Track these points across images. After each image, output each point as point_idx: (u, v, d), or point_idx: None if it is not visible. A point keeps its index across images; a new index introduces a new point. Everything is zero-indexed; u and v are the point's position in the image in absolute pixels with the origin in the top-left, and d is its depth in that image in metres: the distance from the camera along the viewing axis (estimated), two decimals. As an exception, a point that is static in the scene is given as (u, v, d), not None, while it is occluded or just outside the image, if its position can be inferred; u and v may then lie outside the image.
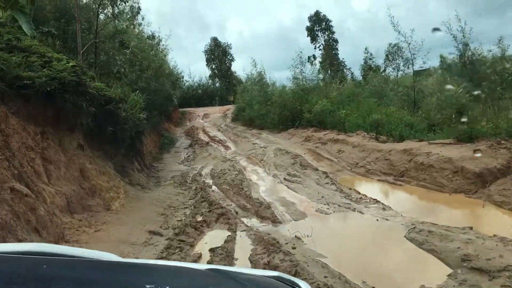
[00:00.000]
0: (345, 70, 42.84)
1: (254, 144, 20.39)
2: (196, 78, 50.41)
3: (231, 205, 10.44)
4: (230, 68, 51.55)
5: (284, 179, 12.72)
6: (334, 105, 19.45)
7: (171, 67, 32.03)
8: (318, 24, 48.30)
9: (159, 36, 28.95)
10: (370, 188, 10.98)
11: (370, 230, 7.85)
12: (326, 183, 11.67)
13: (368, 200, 9.72)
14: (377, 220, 8.27)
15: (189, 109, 41.97)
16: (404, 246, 6.83)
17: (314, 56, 45.38)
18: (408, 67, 44.86)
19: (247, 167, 15.21)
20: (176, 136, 27.55)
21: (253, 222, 9.17)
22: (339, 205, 9.58)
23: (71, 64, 10.05)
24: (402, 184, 10.89)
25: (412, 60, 21.19)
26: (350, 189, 10.91)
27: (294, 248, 7.34)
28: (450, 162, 10.03)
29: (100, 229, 8.61)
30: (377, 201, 9.53)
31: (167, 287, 1.27)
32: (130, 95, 15.44)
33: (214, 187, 12.32)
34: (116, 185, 10.81)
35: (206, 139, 24.64)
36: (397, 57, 46.74)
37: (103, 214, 9.33)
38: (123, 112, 12.85)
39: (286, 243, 7.57)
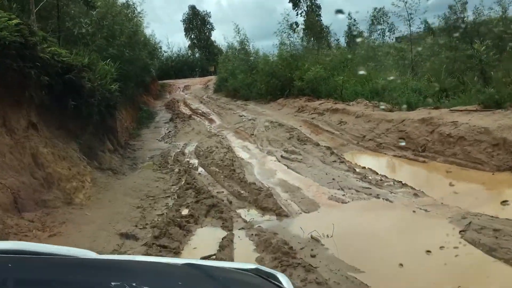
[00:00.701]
0: (329, 37, 40.33)
1: (241, 116, 18.26)
2: (175, 49, 47.58)
3: (223, 192, 8.41)
4: (210, 38, 48.76)
5: (282, 157, 10.70)
6: (327, 71, 17.34)
7: (148, 36, 29.32)
8: (300, -10, 45.70)
9: (133, 4, 26.23)
10: (388, 167, 9.06)
11: (409, 227, 5.90)
12: (334, 161, 9.68)
13: (391, 183, 7.76)
14: (414, 211, 6.32)
15: (168, 81, 39.40)
16: (468, 253, 4.89)
17: (296, 23, 43.00)
18: (393, 32, 42.82)
19: (236, 143, 13.15)
20: (156, 109, 25.23)
21: (253, 215, 7.17)
22: (356, 190, 7.61)
23: (14, 21, 7.73)
24: (426, 161, 8.95)
25: (409, 21, 19.04)
26: (363, 168, 8.94)
27: (313, 256, 5.38)
28: (487, 133, 8.10)
29: (57, 232, 6.51)
30: (403, 184, 7.58)
31: (133, 284, 1.23)
32: (99, 63, 13.08)
33: (200, 169, 10.24)
34: (80, 172, 8.65)
35: (188, 112, 22.40)
36: (382, 22, 44.96)
37: (63, 211, 7.21)
38: (89, 82, 10.57)
39: (301, 248, 5.61)
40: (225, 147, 12.29)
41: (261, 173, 9.58)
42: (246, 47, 25.53)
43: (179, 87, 36.25)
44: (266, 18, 65.38)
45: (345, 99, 15.10)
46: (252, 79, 23.42)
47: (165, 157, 11.82)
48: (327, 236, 5.88)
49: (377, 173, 8.44)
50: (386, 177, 8.12)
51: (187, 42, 48.87)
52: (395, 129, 10.52)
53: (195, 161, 11.11)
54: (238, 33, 25.33)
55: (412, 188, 7.36)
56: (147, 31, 29.73)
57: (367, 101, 13.99)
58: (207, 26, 48.88)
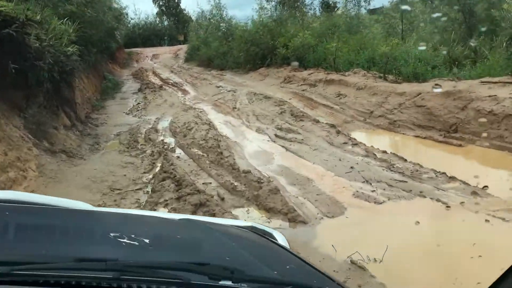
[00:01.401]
0: (302, 8, 37.96)
1: (218, 87, 16.02)
2: (142, 16, 44.21)
3: (211, 183, 6.36)
4: (179, 5, 45.52)
5: (276, 136, 8.67)
6: (315, 38, 15.22)
7: (113, -1, 26.36)
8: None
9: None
10: (415, 152, 7.16)
11: (494, 247, 4.02)
12: (344, 142, 7.71)
13: (432, 175, 5.86)
14: (488, 221, 4.45)
15: (135, 49, 36.44)
16: None
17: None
18: (369, 3, 40.88)
19: (217, 118, 10.99)
20: (122, 79, 22.63)
21: (255, 219, 5.17)
22: (389, 185, 5.68)
23: None
24: (461, 144, 7.09)
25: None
26: (385, 152, 7.01)
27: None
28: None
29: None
30: (450, 178, 5.69)
31: (132, 235, 1.24)
32: (53, 21, 10.57)
33: (179, 151, 8.10)
34: (22, 158, 6.38)
35: (158, 82, 19.95)
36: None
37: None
38: (37, 41, 8.19)
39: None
40: (206, 123, 10.14)
41: (255, 157, 7.54)
42: (221, 12, 22.99)
43: (147, 56, 33.53)
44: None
45: (338, 69, 13.09)
46: (228, 47, 21.11)
47: (134, 135, 9.59)
48: (375, 260, 3.96)
49: (405, 160, 6.52)
50: (420, 165, 6.21)
51: (155, 9, 45.54)
52: (411, 104, 8.62)
53: (171, 140, 8.95)
54: (213, -4, 22.71)
55: (464, 183, 5.48)
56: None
57: (365, 71, 12.04)
58: (177, -8, 45.55)
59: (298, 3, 37.56)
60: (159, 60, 31.31)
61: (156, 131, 9.91)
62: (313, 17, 21.61)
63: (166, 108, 13.02)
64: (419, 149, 7.34)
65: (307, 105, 10.95)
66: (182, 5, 45.56)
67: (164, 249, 1.35)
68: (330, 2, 39.17)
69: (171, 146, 8.45)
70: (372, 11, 29.39)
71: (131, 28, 41.72)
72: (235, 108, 11.84)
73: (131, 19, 41.70)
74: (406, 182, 5.70)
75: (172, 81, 19.57)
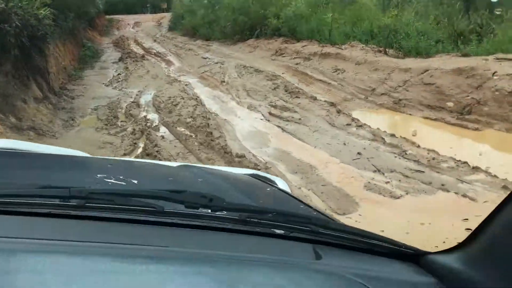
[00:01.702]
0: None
1: (204, 58, 15.01)
2: (124, -18, 42.27)
3: (200, 169, 5.54)
4: (163, -28, 43.60)
5: (271, 114, 7.85)
6: (308, 8, 14.24)
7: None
8: None
9: None
10: (427, 136, 6.39)
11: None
12: (347, 124, 6.93)
13: (452, 164, 5.13)
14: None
15: (117, 16, 34.84)
16: None
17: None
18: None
19: (204, 92, 10.09)
20: (102, 47, 21.36)
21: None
22: (404, 175, 4.95)
23: None
24: (478, 128, 6.36)
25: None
26: (394, 136, 6.26)
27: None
28: None
29: None
30: (474, 168, 4.98)
31: (120, 177, 1.22)
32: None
33: (163, 130, 7.23)
34: (-19, 136, 5.48)
35: (140, 51, 18.80)
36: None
37: None
38: (2, 1, 7.14)
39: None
40: (192, 97, 9.26)
41: (249, 138, 6.74)
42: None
43: (128, 24, 32.08)
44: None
45: (334, 42, 12.21)
46: (214, 16, 19.95)
47: (114, 110, 8.65)
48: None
49: (418, 146, 5.79)
50: (437, 152, 5.48)
51: (137, -25, 43.51)
52: (418, 81, 7.85)
53: (154, 117, 8.05)
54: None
55: (490, 174, 4.78)
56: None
57: (363, 45, 11.20)
58: (160, -43, 43.51)
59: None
60: (141, 28, 29.91)
61: (138, 105, 8.99)
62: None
63: (149, 80, 12.04)
64: (431, 132, 6.60)
65: (302, 80, 10.10)
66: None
67: (147, 186, 1.29)
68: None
69: (154, 124, 7.57)
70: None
71: (113, -6, 39.93)
72: (224, 81, 10.93)
73: (114, -16, 39.91)
74: (424, 172, 4.97)
75: (155, 51, 18.46)
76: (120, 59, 16.22)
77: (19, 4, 7.97)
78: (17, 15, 7.59)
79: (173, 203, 1.01)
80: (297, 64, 11.45)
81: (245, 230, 1.03)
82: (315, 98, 8.44)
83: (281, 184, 1.73)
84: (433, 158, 5.33)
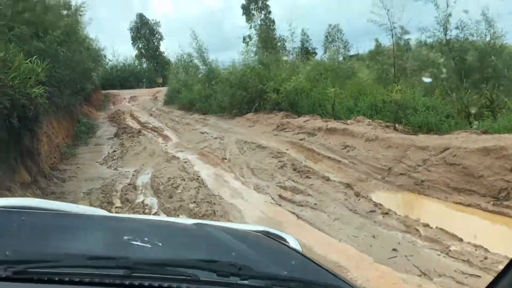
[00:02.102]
0: (284, 51, 37.45)
1: (203, 133, 14.45)
2: (120, 58, 42.88)
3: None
4: (159, 48, 44.46)
5: (281, 197, 7.04)
6: (309, 83, 13.93)
7: (90, 38, 24.88)
8: (254, 2, 42.80)
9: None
10: (466, 226, 5.55)
11: None
12: (371, 210, 6.12)
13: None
14: None
15: (113, 91, 34.93)
16: None
17: (249, 37, 39.85)
18: (348, 50, 40.57)
19: (205, 171, 9.34)
20: (98, 122, 20.90)
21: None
22: (456, 281, 4.09)
23: None
24: (521, 217, 5.62)
25: (392, 31, 16.00)
26: (428, 226, 5.41)
27: None
28: None
29: None
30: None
31: (145, 239, 1.25)
32: (17, 58, 8.94)
33: (164, 219, 6.40)
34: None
35: (136, 126, 18.29)
36: (336, 40, 42.59)
37: None
38: (-9, 80, 6.55)
39: None
40: (194, 178, 8.48)
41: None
42: (204, 54, 21.68)
43: (124, 98, 32.01)
44: (214, 32, 61.63)
45: (338, 116, 11.73)
46: (211, 91, 19.71)
47: (108, 194, 7.82)
48: None
49: (461, 239, 4.97)
50: (485, 249, 4.66)
51: (134, 52, 44.31)
52: (440, 160, 7.17)
53: (153, 202, 7.21)
54: (195, 39, 21.43)
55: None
56: (89, 34, 25.25)
57: (369, 120, 10.69)
58: (156, 35, 44.59)
59: (278, 48, 36.72)
60: (137, 102, 29.77)
61: (135, 188, 8.17)
62: (298, 61, 20.50)
63: (145, 157, 11.32)
64: (468, 221, 5.79)
65: (309, 157, 9.42)
66: (162, 48, 44.47)
67: (174, 250, 1.34)
68: (309, 49, 38.81)
69: (154, 211, 6.73)
70: (350, 57, 28.87)
71: (109, 69, 40.32)
72: (225, 158, 10.23)
73: (109, 60, 40.39)
74: (480, 277, 4.12)
75: (152, 126, 17.95)
76: (116, 135, 15.62)
77: (10, 83, 7.38)
78: (7, 95, 6.97)
79: (206, 271, 1.07)
80: (301, 139, 10.83)
81: None
82: (328, 179, 7.69)
83: (292, 241, 1.75)
84: (485, 258, 4.49)
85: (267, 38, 28.19)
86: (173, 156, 11.13)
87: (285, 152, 9.96)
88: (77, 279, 1.01)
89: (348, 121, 10.78)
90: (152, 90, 35.11)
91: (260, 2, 42.26)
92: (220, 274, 1.08)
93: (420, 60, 16.15)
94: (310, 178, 7.92)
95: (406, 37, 16.94)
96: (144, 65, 43.97)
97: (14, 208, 1.51)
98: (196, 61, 23.92)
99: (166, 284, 1.02)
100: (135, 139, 14.49)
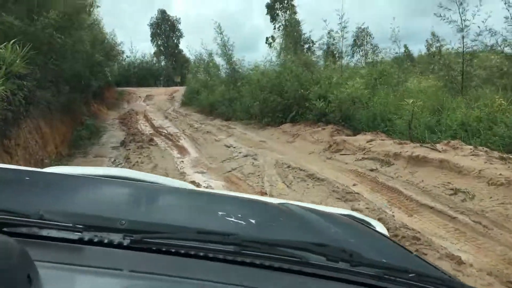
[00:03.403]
0: (312, 53, 33.86)
1: (228, 148, 11.14)
2: (138, 54, 39.88)
3: None
4: (178, 46, 41.35)
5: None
6: (366, 89, 10.52)
7: (105, 31, 21.82)
8: (279, 2, 39.43)
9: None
10: None
11: None
12: None
13: None
14: None
15: (128, 88, 31.91)
16: None
17: (272, 37, 36.50)
18: (377, 55, 36.91)
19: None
20: (106, 123, 17.75)
21: None
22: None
23: None
24: None
25: (463, 30, 12.55)
26: None
27: None
28: None
29: None
30: None
31: (239, 215, 1.24)
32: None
33: None
34: None
35: (148, 131, 15.09)
36: (365, 43, 39.01)
37: None
38: None
39: None
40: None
41: None
42: (230, 52, 18.32)
43: (140, 96, 28.91)
44: (234, 32, 58.40)
45: (415, 137, 8.35)
46: (236, 93, 16.43)
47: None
48: None
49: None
50: None
51: (153, 49, 41.27)
52: None
53: None
54: (220, 33, 18.07)
55: None
56: (104, 27, 22.15)
57: (471, 147, 7.27)
58: (176, 33, 41.46)
59: (305, 50, 32.87)
60: (153, 102, 26.63)
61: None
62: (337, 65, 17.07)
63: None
64: None
65: (396, 203, 6.03)
66: (182, 46, 41.33)
67: (273, 229, 1.29)
68: (335, 53, 35.25)
69: None
70: (371, 63, 25.48)
71: (126, 66, 37.38)
72: (265, 192, 6.91)
73: (127, 57, 37.46)
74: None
75: (166, 132, 14.70)
76: (122, 143, 12.35)
77: None
78: None
79: (316, 255, 1.01)
80: (371, 170, 7.42)
81: (381, 286, 1.00)
82: (456, 259, 4.30)
83: (378, 226, 1.59)
84: None
85: (297, 38, 24.79)
86: (191, 181, 7.84)
87: (351, 190, 6.58)
88: (192, 252, 0.97)
89: (437, 146, 7.38)
90: (169, 89, 32.04)
91: (286, 1, 38.94)
92: (330, 258, 1.00)
93: (491, 68, 12.80)
94: (416, 250, 4.56)
95: (474, 40, 13.55)
96: (163, 63, 40.95)
97: (113, 178, 1.58)
98: (218, 59, 20.57)
99: (276, 264, 0.98)
100: (145, 150, 11.23)
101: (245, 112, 14.97)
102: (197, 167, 9.35)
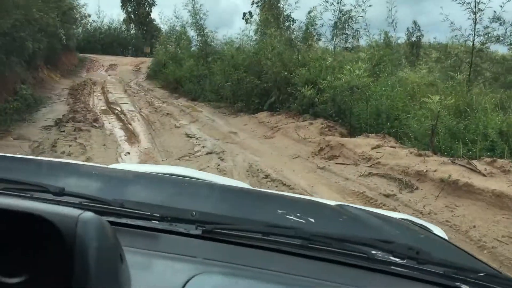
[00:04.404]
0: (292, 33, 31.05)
1: (190, 138, 8.54)
2: (106, 20, 36.14)
3: None
4: (150, 14, 37.62)
5: None
6: (369, 78, 8.04)
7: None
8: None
9: None
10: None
11: None
12: None
13: None
14: None
15: (92, 55, 28.50)
16: None
17: (250, 13, 33.52)
18: (358, 40, 34.50)
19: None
20: (53, 93, 14.82)
21: None
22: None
23: None
24: None
25: (476, 15, 10.29)
26: None
27: None
28: None
29: None
30: None
31: (297, 214, 1.23)
32: None
33: None
34: None
35: (100, 106, 12.34)
36: (346, 27, 36.54)
37: None
38: None
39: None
40: None
41: None
42: (200, 22, 15.41)
43: (102, 65, 25.75)
44: (209, 7, 54.53)
45: (438, 147, 6.02)
46: (206, 70, 13.74)
47: None
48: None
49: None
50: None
51: (122, 15, 37.46)
52: None
53: None
54: (192, 1, 15.12)
55: None
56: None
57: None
58: (148, 0, 37.67)
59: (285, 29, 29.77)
60: (116, 72, 23.52)
61: None
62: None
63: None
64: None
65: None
66: (154, 15, 37.68)
67: (334, 228, 1.28)
68: (314, 34, 32.59)
69: None
70: (345, 49, 23.26)
71: (91, 31, 33.67)
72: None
73: (93, 21, 33.73)
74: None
75: (119, 109, 11.92)
76: (58, 122, 9.55)
77: None
78: None
79: (381, 251, 0.98)
80: (387, 196, 4.97)
81: (450, 285, 0.94)
82: None
83: (436, 231, 1.49)
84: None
85: (277, 14, 21.94)
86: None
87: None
88: (261, 244, 0.98)
89: (477, 165, 5.07)
90: (136, 60, 28.81)
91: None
92: (396, 255, 0.97)
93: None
94: None
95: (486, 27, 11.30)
96: (132, 31, 37.25)
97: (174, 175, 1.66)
98: (192, 33, 17.61)
99: (343, 259, 0.96)
100: (83, 134, 8.52)
101: (215, 93, 12.34)
102: (144, 165, 6.76)
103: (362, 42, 14.34)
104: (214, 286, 0.79)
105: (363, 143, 6.49)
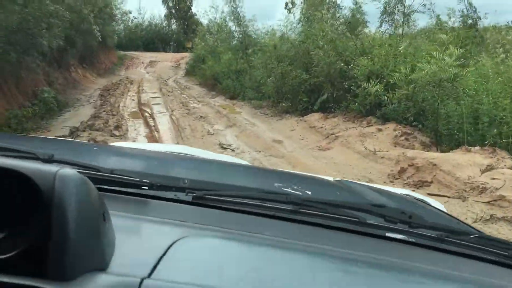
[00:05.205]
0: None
1: (224, 148, 6.75)
2: (147, 16, 35.11)
3: None
4: (191, 9, 36.21)
5: None
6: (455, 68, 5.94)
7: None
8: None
9: None
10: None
11: None
12: None
13: None
14: None
15: (133, 53, 27.53)
16: None
17: (292, 2, 31.30)
18: (408, 26, 31.38)
19: None
20: (84, 94, 13.56)
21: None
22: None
23: None
24: None
25: None
26: None
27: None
28: None
29: None
30: None
31: (295, 187, 1.22)
32: None
33: None
34: None
35: (129, 108, 10.86)
36: (395, 12, 33.49)
37: None
38: None
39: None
40: None
41: None
42: (239, 12, 13.53)
43: (142, 62, 24.61)
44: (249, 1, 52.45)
45: None
46: (246, 64, 11.87)
47: None
48: None
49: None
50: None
51: (163, 11, 36.30)
52: None
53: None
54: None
55: None
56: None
57: None
58: (189, -6, 36.21)
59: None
60: (155, 69, 22.23)
61: None
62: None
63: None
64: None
65: None
66: (195, 9, 36.21)
67: (330, 198, 1.23)
68: (360, 21, 29.77)
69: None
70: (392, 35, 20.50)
71: (133, 28, 32.72)
72: None
73: (134, 18, 32.77)
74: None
75: (149, 112, 10.34)
76: (73, 132, 8.01)
77: None
78: None
79: (373, 216, 0.97)
80: None
81: (441, 248, 0.95)
82: None
83: (436, 204, 1.45)
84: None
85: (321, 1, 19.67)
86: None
87: None
88: (252, 210, 0.97)
89: None
90: (177, 56, 27.53)
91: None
92: (388, 219, 0.96)
93: None
94: None
95: None
96: (173, 27, 35.99)
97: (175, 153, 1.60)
98: (231, 24, 15.77)
99: (335, 223, 0.95)
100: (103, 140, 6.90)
101: (256, 90, 10.45)
102: (145, 143, 4.99)
103: (422, 24, 11.98)
104: (202, 248, 0.75)
105: (464, 162, 4.38)
